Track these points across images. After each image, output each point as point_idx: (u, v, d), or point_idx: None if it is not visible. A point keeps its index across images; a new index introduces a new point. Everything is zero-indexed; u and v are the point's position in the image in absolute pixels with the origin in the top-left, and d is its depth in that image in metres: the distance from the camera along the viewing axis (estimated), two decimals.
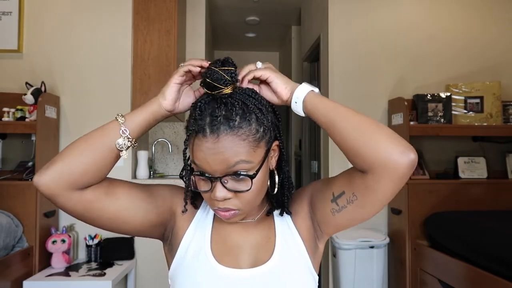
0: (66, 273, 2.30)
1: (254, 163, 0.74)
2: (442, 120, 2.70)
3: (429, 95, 2.73)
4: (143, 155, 2.72)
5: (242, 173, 0.73)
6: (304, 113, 0.78)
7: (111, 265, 2.44)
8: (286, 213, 0.85)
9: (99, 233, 2.56)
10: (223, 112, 0.72)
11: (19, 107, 2.48)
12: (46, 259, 2.40)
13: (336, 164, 2.88)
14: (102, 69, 2.70)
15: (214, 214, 0.87)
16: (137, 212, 0.80)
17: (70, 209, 0.75)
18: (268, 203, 0.88)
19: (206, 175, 0.74)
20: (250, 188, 0.74)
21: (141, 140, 2.96)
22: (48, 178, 0.71)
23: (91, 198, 0.75)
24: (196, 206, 0.88)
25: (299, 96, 0.77)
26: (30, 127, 2.39)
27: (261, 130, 0.75)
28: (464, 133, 2.80)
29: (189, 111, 0.80)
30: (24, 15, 2.68)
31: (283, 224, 0.85)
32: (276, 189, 0.83)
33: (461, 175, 2.78)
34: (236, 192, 0.74)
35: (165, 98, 0.79)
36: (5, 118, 2.43)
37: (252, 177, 0.74)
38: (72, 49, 2.70)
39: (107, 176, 0.79)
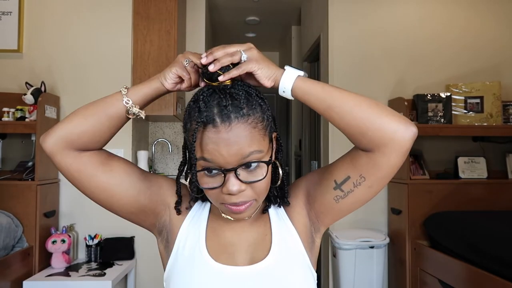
0: (66, 273, 2.30)
1: (264, 152, 0.74)
2: (442, 120, 2.70)
3: (429, 95, 2.73)
4: (143, 155, 2.72)
5: (257, 161, 0.72)
6: (294, 98, 0.77)
7: (111, 265, 2.44)
8: (285, 202, 0.84)
9: (99, 233, 2.56)
10: (230, 101, 0.71)
11: (19, 107, 2.48)
12: (46, 259, 2.40)
13: None
14: (102, 69, 2.70)
15: (210, 210, 0.86)
16: (128, 189, 0.80)
17: (64, 167, 0.78)
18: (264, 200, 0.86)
19: (216, 170, 0.72)
20: (265, 176, 0.73)
21: (141, 140, 2.96)
22: (50, 137, 0.76)
23: (85, 161, 0.78)
24: (190, 206, 0.87)
25: (286, 86, 0.75)
26: (30, 127, 2.39)
27: (266, 118, 0.75)
28: (464, 133, 2.79)
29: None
30: (24, 15, 2.68)
31: (279, 220, 0.84)
32: (279, 181, 0.81)
33: (461, 175, 2.78)
34: (250, 183, 0.72)
35: (166, 80, 0.77)
36: (5, 118, 2.43)
37: (268, 163, 0.73)
38: (72, 49, 2.70)
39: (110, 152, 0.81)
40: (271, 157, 0.77)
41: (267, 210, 0.85)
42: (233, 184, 0.71)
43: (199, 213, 0.86)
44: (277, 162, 0.81)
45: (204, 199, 0.87)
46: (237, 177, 0.71)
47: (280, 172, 0.81)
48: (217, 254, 0.80)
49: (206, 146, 0.71)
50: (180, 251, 0.81)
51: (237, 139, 0.70)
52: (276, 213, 0.85)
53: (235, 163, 0.71)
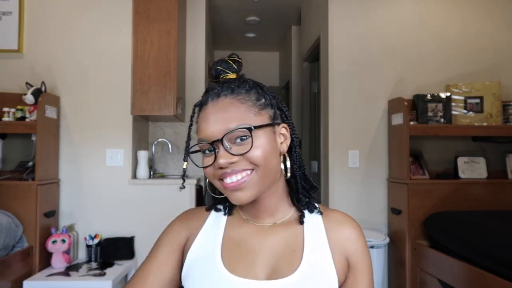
0: (66, 273, 2.30)
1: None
2: (442, 120, 2.70)
3: (429, 95, 2.73)
4: (143, 155, 2.72)
5: (240, 126, 0.71)
6: None
7: (111, 265, 2.44)
8: (299, 201, 0.82)
9: (99, 233, 2.56)
10: (224, 85, 0.77)
11: (19, 107, 2.48)
12: (46, 259, 2.40)
13: (336, 164, 2.88)
14: (102, 69, 2.70)
15: (226, 222, 0.83)
16: None
17: None
18: (293, 209, 0.83)
19: (204, 143, 0.74)
20: (252, 145, 0.71)
21: (141, 140, 2.96)
22: None
23: None
24: (208, 208, 0.86)
25: None
26: (30, 127, 2.39)
27: (262, 100, 0.77)
28: (464, 133, 2.80)
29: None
30: (24, 15, 2.68)
31: (316, 245, 0.77)
32: (288, 174, 0.80)
33: (461, 175, 2.78)
34: (240, 155, 0.72)
35: None
36: (5, 118, 2.43)
37: (250, 129, 0.72)
38: (72, 49, 2.70)
39: None
40: (261, 126, 0.75)
41: (303, 222, 0.80)
42: (221, 156, 0.72)
43: (217, 221, 0.83)
44: (285, 155, 0.80)
45: (221, 202, 0.85)
46: (226, 150, 0.72)
47: (288, 164, 0.80)
48: (233, 264, 0.75)
49: (200, 127, 0.76)
50: (193, 261, 0.78)
51: (222, 111, 0.73)
52: (314, 237, 0.79)
53: (220, 135, 0.72)
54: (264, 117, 0.76)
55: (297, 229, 0.79)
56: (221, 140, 0.72)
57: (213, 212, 0.85)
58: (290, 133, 0.81)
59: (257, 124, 0.73)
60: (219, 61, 0.81)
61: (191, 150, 0.79)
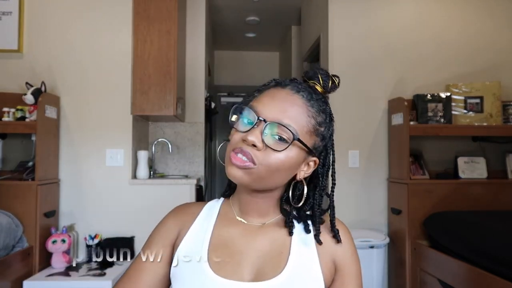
0: (66, 273, 2.31)
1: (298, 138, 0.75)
2: (442, 120, 2.70)
3: (429, 95, 2.73)
4: (143, 155, 2.72)
5: (289, 127, 0.71)
6: None
7: (111, 265, 2.44)
8: (316, 227, 0.79)
9: (99, 233, 2.56)
10: (308, 88, 0.77)
11: (19, 107, 2.48)
12: (46, 259, 2.40)
13: (336, 164, 2.87)
14: (102, 69, 2.70)
15: (216, 219, 0.82)
16: None
17: None
18: (281, 214, 0.82)
19: (249, 110, 0.74)
20: (283, 149, 0.71)
21: (141, 140, 2.96)
22: None
23: None
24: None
25: None
26: (30, 127, 2.39)
27: (323, 128, 0.77)
28: (464, 133, 2.80)
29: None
30: (24, 15, 2.68)
31: (303, 248, 0.77)
32: (301, 202, 0.79)
33: (461, 175, 2.78)
34: (267, 146, 0.71)
35: None
36: (5, 118, 2.43)
37: (294, 137, 0.71)
38: (72, 49, 2.70)
39: None
40: (303, 144, 0.74)
41: (292, 233, 0.78)
42: (253, 133, 0.71)
43: (207, 218, 0.82)
44: (303, 181, 0.79)
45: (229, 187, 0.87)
46: (261, 133, 0.72)
47: (305, 191, 0.79)
48: (220, 265, 0.75)
49: (260, 99, 0.76)
50: (182, 258, 0.78)
51: (288, 105, 0.73)
52: (302, 241, 0.79)
53: (269, 120, 0.72)
54: (311, 141, 0.75)
55: (286, 231, 0.79)
56: (265, 123, 0.72)
57: (205, 208, 0.85)
58: (315, 169, 0.80)
59: (302, 140, 0.73)
60: (323, 70, 0.80)
61: (236, 109, 0.78)
